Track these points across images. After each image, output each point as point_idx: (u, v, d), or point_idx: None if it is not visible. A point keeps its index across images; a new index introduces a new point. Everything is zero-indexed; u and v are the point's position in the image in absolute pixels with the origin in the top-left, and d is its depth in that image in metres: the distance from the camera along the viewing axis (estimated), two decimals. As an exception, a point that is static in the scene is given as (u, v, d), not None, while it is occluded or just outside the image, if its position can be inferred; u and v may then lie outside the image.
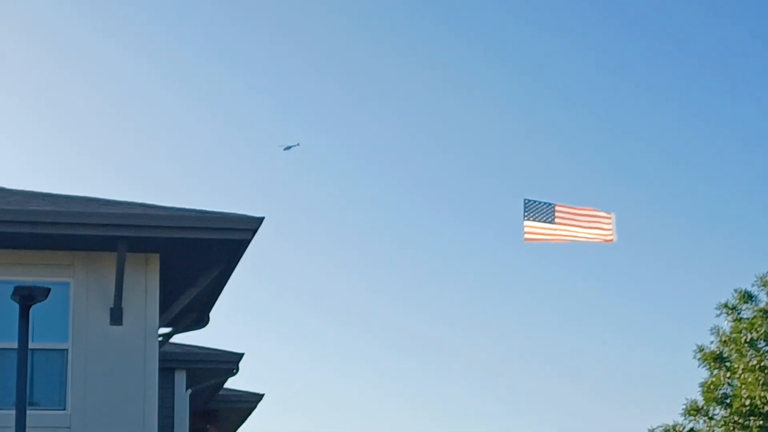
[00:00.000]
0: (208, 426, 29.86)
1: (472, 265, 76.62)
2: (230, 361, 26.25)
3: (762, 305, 27.83)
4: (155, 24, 73.60)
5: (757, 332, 27.28)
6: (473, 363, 72.25)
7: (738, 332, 27.79)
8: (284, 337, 75.38)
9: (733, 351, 27.80)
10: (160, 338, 21.94)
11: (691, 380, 28.80)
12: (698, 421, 27.81)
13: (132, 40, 73.61)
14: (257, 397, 29.46)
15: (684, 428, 27.70)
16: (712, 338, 28.51)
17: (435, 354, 74.05)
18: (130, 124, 76.73)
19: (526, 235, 24.94)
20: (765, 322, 27.37)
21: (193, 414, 29.26)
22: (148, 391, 19.13)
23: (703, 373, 28.32)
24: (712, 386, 27.76)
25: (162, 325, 20.54)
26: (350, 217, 78.72)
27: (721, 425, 27.27)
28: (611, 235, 24.44)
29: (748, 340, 27.57)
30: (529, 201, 25.04)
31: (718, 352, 28.34)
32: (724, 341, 28.29)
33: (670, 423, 27.76)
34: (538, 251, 74.47)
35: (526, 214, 24.87)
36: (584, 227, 24.63)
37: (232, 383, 29.75)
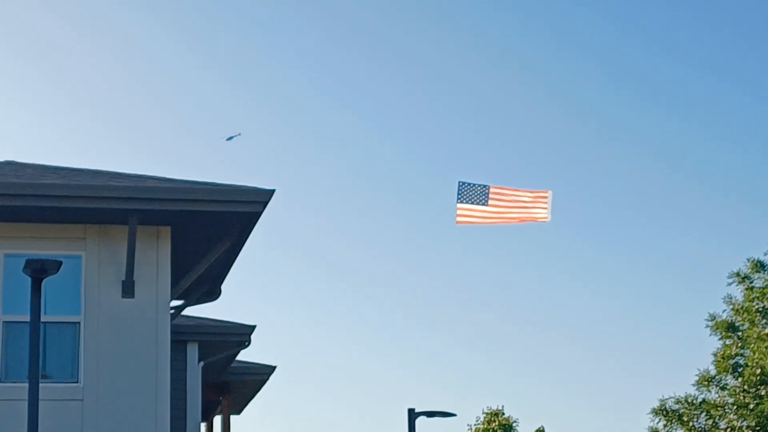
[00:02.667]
0: (220, 398, 29.95)
1: (494, 237, 76.60)
2: (242, 334, 26.30)
3: None
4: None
5: None
6: (488, 333, 72.44)
7: (750, 301, 27.78)
8: (296, 309, 75.52)
9: (746, 320, 27.82)
10: (172, 311, 22.04)
11: (704, 350, 28.86)
12: (710, 391, 27.86)
13: (146, 6, 73.45)
14: (270, 369, 29.52)
15: (696, 399, 27.75)
16: (725, 307, 28.55)
17: (450, 324, 74.18)
18: (141, 95, 76.66)
19: (458, 218, 24.71)
20: None
21: (206, 386, 29.34)
22: (160, 363, 19.20)
23: (715, 343, 28.39)
24: (724, 356, 27.78)
25: (174, 297, 20.62)
26: (363, 187, 78.66)
27: (732, 395, 27.30)
28: (546, 214, 24.25)
29: (760, 309, 27.57)
30: (463, 183, 24.76)
31: (730, 321, 28.33)
32: (736, 310, 28.29)
33: (682, 394, 27.83)
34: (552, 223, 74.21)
35: (459, 196, 24.60)
36: (518, 208, 24.40)
37: (244, 355, 29.85)
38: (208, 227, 19.68)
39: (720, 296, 28.20)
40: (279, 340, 65.66)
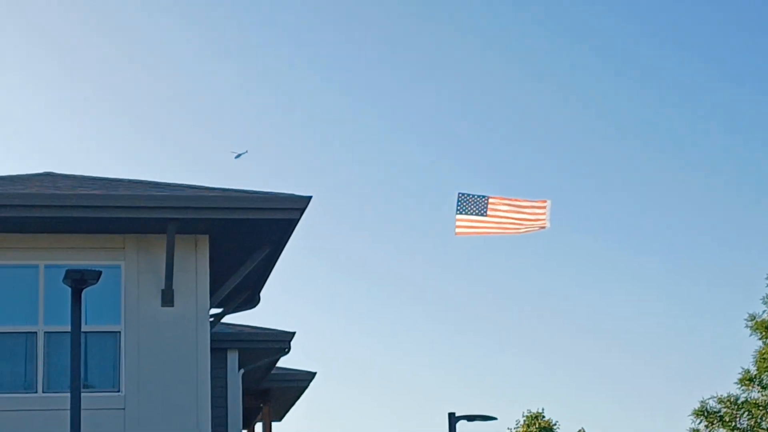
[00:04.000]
0: (261, 405, 29.99)
1: (531, 241, 76.51)
2: (282, 340, 26.29)
3: None
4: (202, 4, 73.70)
5: None
6: (528, 336, 72.25)
7: None
8: (335, 314, 75.61)
9: None
10: (211, 319, 22.13)
11: (745, 351, 28.63)
12: (752, 391, 27.65)
13: (178, 18, 73.72)
14: (310, 376, 29.52)
15: (738, 398, 27.55)
16: (764, 308, 28.34)
17: (491, 328, 74.05)
18: (178, 105, 77.04)
19: (458, 230, 24.66)
20: None
21: (246, 393, 29.39)
22: (200, 371, 19.26)
23: (756, 343, 28.19)
24: (765, 355, 27.56)
25: (213, 305, 20.69)
26: (397, 193, 78.63)
27: None
28: (545, 223, 24.22)
29: None
30: (463, 194, 24.74)
31: None
32: None
33: (725, 394, 27.63)
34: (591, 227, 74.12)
35: (458, 207, 24.59)
36: (517, 217, 24.44)
37: (284, 362, 29.89)
38: (246, 235, 19.74)
39: (759, 296, 28.07)
40: (319, 346, 65.71)
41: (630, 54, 71.68)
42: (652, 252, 73.17)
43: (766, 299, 28.24)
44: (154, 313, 19.29)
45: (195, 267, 19.55)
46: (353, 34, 73.70)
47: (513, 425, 38.20)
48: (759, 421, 26.79)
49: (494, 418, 27.19)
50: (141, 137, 77.97)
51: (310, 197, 19.06)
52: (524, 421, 38.03)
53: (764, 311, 28.34)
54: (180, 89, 77.39)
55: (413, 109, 76.97)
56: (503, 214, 24.80)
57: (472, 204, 24.93)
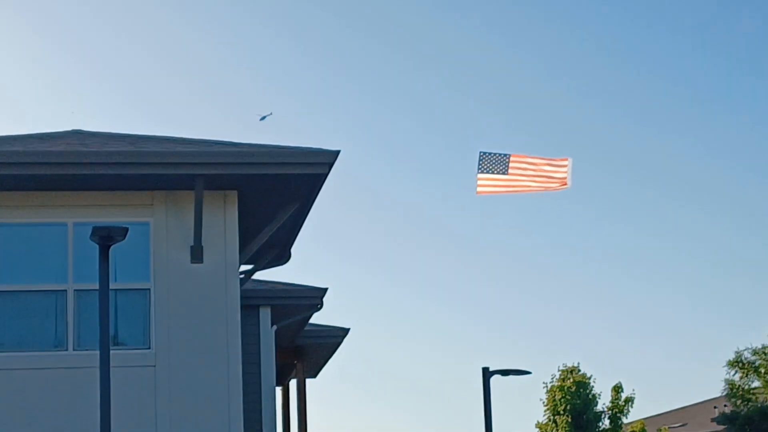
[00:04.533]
0: (295, 362, 29.99)
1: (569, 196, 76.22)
2: (314, 297, 26.27)
3: None
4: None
5: None
6: (564, 290, 72.11)
7: None
8: (368, 270, 75.72)
9: None
10: (242, 275, 22.07)
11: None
12: None
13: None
14: (343, 332, 29.49)
15: None
16: None
17: (524, 282, 73.90)
18: (205, 61, 76.64)
19: (479, 188, 24.76)
20: None
21: (280, 350, 29.40)
22: (230, 328, 19.19)
23: None
24: None
25: (243, 262, 20.61)
26: (437, 142, 78.22)
27: None
28: (566, 181, 24.24)
29: None
30: (484, 153, 24.74)
31: None
32: None
33: (759, 345, 27.36)
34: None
35: (480, 166, 24.58)
36: (539, 175, 24.45)
37: (317, 318, 29.84)
38: (274, 190, 19.61)
39: None
40: (352, 301, 65.90)
41: (640, 45, 71.10)
42: (687, 200, 72.82)
43: None
44: (183, 270, 19.20)
45: (224, 223, 19.44)
46: (355, 22, 73.23)
47: (548, 380, 38.17)
48: None
49: (528, 372, 27.12)
50: (170, 94, 77.68)
51: (338, 151, 18.89)
52: (560, 375, 37.92)
53: None
54: (214, 42, 76.96)
55: (441, 60, 76.45)
56: (524, 173, 24.88)
57: (493, 162, 25.02)
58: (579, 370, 37.60)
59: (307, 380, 33.78)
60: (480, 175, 25.06)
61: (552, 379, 37.93)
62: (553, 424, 37.06)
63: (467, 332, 72.78)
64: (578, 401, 36.91)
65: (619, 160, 74.20)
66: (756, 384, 27.04)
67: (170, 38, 76.02)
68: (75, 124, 22.35)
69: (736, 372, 27.37)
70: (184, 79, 77.77)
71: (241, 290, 25.59)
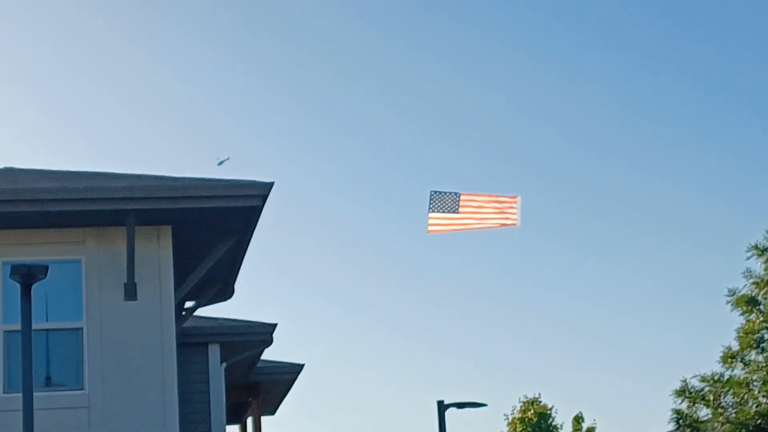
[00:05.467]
0: (250, 399, 29.49)
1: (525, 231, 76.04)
2: (264, 332, 25.77)
3: None
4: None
5: None
6: (519, 321, 71.87)
7: None
8: (322, 302, 75.25)
9: (765, 294, 26.95)
10: (184, 312, 21.65)
11: (729, 327, 27.95)
12: (733, 369, 26.98)
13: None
14: (297, 368, 29.00)
15: (722, 376, 26.88)
16: (745, 281, 27.60)
17: (479, 314, 73.60)
18: (102, 92, 75.97)
19: (430, 227, 25.03)
20: None
21: (234, 388, 28.93)
22: (166, 366, 18.74)
23: (738, 319, 27.51)
24: (747, 331, 26.88)
25: (180, 298, 20.16)
26: (391, 173, 77.87)
27: (754, 371, 26.44)
28: (515, 219, 24.58)
29: None
30: (435, 192, 25.07)
31: (751, 295, 27.43)
32: (757, 284, 27.37)
33: (708, 372, 26.98)
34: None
35: (431, 206, 24.88)
36: (488, 214, 24.74)
37: (271, 354, 29.39)
38: (209, 224, 19.20)
39: (740, 270, 27.41)
40: (305, 334, 65.50)
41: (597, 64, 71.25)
42: (639, 225, 72.76)
43: (746, 273, 27.57)
44: (116, 308, 18.76)
45: (158, 259, 19.01)
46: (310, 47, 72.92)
47: (509, 411, 37.81)
48: (743, 399, 26.15)
49: (484, 405, 26.71)
50: (91, 136, 76.95)
51: (272, 183, 18.52)
52: (520, 406, 37.56)
53: (745, 285, 27.65)
54: (127, 87, 76.16)
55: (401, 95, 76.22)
56: (474, 211, 25.21)
57: (444, 201, 25.12)
58: (540, 401, 37.32)
59: (267, 417, 33.37)
60: (431, 215, 25.37)
61: (513, 410, 37.64)
62: (515, 456, 36.77)
63: (427, 364, 72.37)
64: (539, 432, 36.64)
65: (571, 190, 74.05)
66: (705, 412, 26.72)
67: (122, 70, 75.36)
68: (10, 161, 21.83)
69: (682, 401, 26.97)
70: (139, 114, 77.16)
71: (188, 327, 25.21)
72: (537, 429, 36.57)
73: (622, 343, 69.87)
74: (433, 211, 25.30)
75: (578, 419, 37.54)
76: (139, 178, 19.19)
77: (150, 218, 18.73)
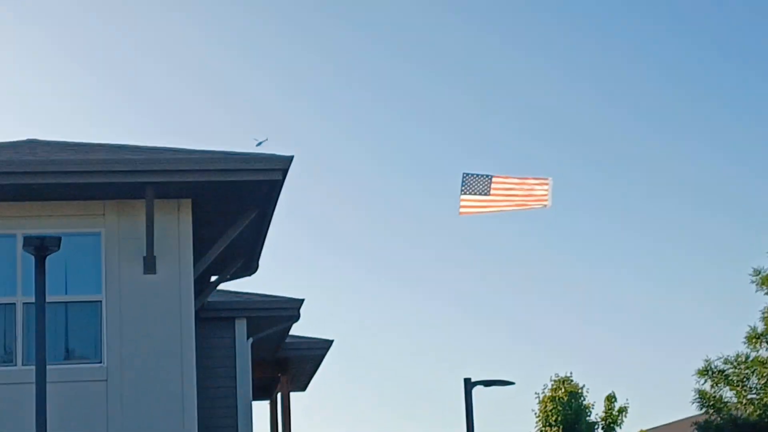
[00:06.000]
0: (279, 375, 29.40)
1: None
2: (291, 308, 25.65)
3: None
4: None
5: None
6: (554, 300, 71.41)
7: None
8: (351, 281, 74.98)
9: None
10: (206, 287, 21.57)
11: (753, 307, 27.50)
12: (758, 349, 26.62)
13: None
14: (327, 344, 28.87)
15: (748, 357, 26.53)
16: None
17: (523, 286, 73.17)
18: (157, 67, 75.63)
19: (462, 209, 25.26)
20: None
21: (262, 364, 28.85)
22: (185, 340, 18.64)
23: (763, 299, 27.13)
24: None
25: (202, 272, 20.04)
26: (428, 139, 77.43)
27: None
28: (546, 200, 24.77)
29: None
30: (468, 174, 25.23)
31: None
32: None
33: (732, 354, 26.62)
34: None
35: (463, 188, 25.04)
36: (519, 195, 24.93)
37: (301, 330, 29.28)
38: (230, 198, 19.06)
39: (765, 250, 27.04)
40: (336, 313, 65.39)
41: (633, 34, 70.18)
42: (676, 195, 71.98)
43: None
44: (136, 281, 18.65)
45: (178, 232, 18.89)
46: (337, 13, 72.10)
47: (540, 390, 37.40)
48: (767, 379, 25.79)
49: (512, 383, 26.43)
50: (128, 105, 76.38)
51: (292, 157, 18.33)
52: (552, 385, 37.15)
53: None
54: (156, 51, 75.40)
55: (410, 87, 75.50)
56: (506, 193, 25.38)
57: (476, 183, 25.31)
58: (572, 380, 36.90)
59: (298, 393, 33.31)
60: (463, 197, 25.44)
61: (544, 389, 37.22)
62: (545, 436, 36.38)
63: (457, 339, 72.07)
64: (570, 412, 36.12)
65: (606, 158, 73.11)
66: (728, 393, 26.35)
67: (172, 41, 75.02)
68: (33, 134, 21.79)
69: (705, 381, 26.63)
70: (196, 88, 76.88)
71: (214, 302, 25.12)
72: (568, 408, 36.20)
73: (659, 319, 69.39)
74: (465, 193, 25.48)
75: (610, 398, 37.15)
76: (158, 150, 19.06)
77: (170, 191, 18.60)
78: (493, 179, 25.46)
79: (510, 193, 25.39)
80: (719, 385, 26.60)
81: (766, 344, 26.71)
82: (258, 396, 31.35)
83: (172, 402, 18.38)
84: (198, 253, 19.61)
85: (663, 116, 71.55)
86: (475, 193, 25.41)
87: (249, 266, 22.10)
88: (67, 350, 18.57)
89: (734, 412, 26.31)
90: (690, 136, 71.51)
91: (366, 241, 77.04)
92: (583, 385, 37.16)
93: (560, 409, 36.36)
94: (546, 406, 36.82)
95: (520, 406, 66.68)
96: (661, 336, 68.22)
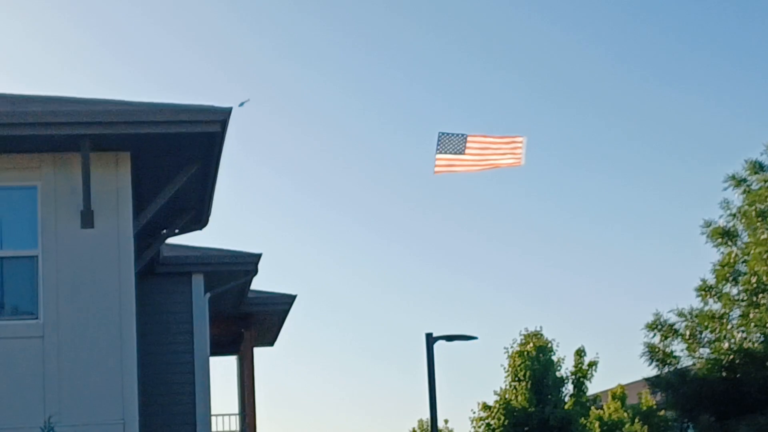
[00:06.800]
0: (242, 330, 29.12)
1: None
2: (248, 262, 25.37)
3: None
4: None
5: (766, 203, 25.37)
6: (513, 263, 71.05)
7: (750, 205, 25.91)
8: (310, 237, 74.86)
9: (745, 225, 26.08)
10: (155, 240, 21.24)
11: (705, 260, 27.22)
12: (708, 302, 26.25)
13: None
14: (290, 298, 28.59)
15: (701, 311, 26.13)
16: (722, 213, 26.74)
17: (494, 235, 72.80)
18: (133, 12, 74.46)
19: (437, 168, 25.35)
20: None
21: (225, 319, 28.61)
22: (123, 295, 18.23)
23: (713, 251, 26.72)
24: (723, 264, 26.10)
25: (144, 226, 19.64)
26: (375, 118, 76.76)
27: (727, 304, 25.67)
28: (520, 158, 24.99)
29: (759, 211, 25.71)
30: (443, 134, 25.38)
31: (726, 228, 26.57)
32: (733, 215, 26.51)
33: (686, 307, 26.22)
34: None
35: (438, 147, 25.19)
36: (494, 154, 25.21)
37: (264, 286, 29.01)
38: (169, 151, 18.64)
39: (716, 202, 26.63)
40: (298, 268, 65.32)
41: None
42: (608, 169, 71.53)
43: (723, 204, 26.70)
44: (73, 236, 18.23)
45: (116, 186, 18.46)
46: None
47: (509, 344, 37.15)
48: (721, 335, 25.38)
49: (474, 338, 26.15)
50: (55, 55, 75.29)
51: (230, 109, 17.90)
52: (521, 339, 36.90)
53: (721, 216, 26.78)
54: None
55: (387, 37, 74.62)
56: (480, 152, 25.50)
57: (451, 143, 25.55)
58: (541, 335, 36.65)
59: (264, 348, 33.09)
60: (438, 156, 25.76)
61: (513, 343, 36.97)
62: (514, 391, 36.12)
63: (428, 293, 71.90)
64: (538, 366, 35.91)
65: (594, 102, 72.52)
66: (681, 346, 26.00)
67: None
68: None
69: (654, 335, 26.24)
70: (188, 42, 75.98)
71: (171, 257, 24.80)
72: (536, 362, 35.98)
73: (633, 270, 69.13)
74: (440, 153, 25.56)
75: (580, 353, 36.96)
76: (94, 102, 18.59)
77: (107, 144, 18.18)
78: (468, 138, 25.65)
79: (484, 152, 25.60)
80: (668, 339, 26.24)
81: (716, 298, 26.30)
82: (225, 351, 31.16)
83: (109, 358, 17.99)
84: (139, 208, 19.23)
85: (641, 60, 70.94)
86: (450, 153, 25.59)
87: (199, 219, 21.71)
88: (2, 306, 18.22)
89: (682, 367, 26.00)
90: (665, 81, 70.98)
91: (334, 190, 76.63)
92: (553, 339, 36.97)
93: (528, 363, 36.15)
94: (515, 361, 36.61)
95: (494, 361, 66.75)
96: (636, 288, 68.09)
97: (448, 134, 25.72)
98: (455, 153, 25.58)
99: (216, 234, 58.55)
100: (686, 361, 26.07)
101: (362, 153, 76.86)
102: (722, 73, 70.25)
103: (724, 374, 24.97)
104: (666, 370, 26.07)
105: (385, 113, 75.49)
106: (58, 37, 74.44)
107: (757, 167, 26.57)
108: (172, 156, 18.78)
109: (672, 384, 25.78)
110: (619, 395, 39.68)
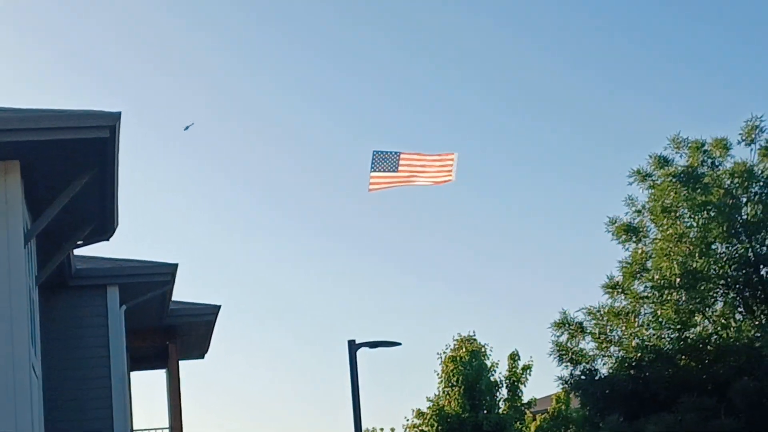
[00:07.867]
0: (168, 342, 28.57)
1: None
2: (164, 273, 24.86)
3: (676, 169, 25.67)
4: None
5: (674, 197, 25.05)
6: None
7: (655, 201, 25.62)
8: (234, 244, 74.34)
9: (650, 221, 25.81)
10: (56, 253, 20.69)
11: (614, 258, 26.99)
12: (615, 299, 25.94)
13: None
14: (214, 309, 28.08)
15: (606, 307, 25.82)
16: (626, 209, 26.45)
17: (403, 255, 72.67)
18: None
19: (371, 186, 26.02)
20: (679, 186, 25.21)
21: (149, 332, 28.10)
22: (15, 310, 17.61)
23: (619, 248, 26.44)
24: (631, 261, 25.81)
25: (33, 236, 19.03)
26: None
27: (633, 300, 25.38)
28: (451, 175, 25.56)
29: (663, 207, 25.42)
30: (378, 152, 25.98)
31: (631, 224, 26.28)
32: (638, 211, 26.22)
33: (595, 304, 25.89)
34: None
35: (373, 165, 25.82)
36: (425, 171, 25.76)
37: (188, 297, 28.52)
38: (60, 158, 18.05)
39: (621, 198, 26.40)
40: (224, 278, 65.00)
41: None
42: (517, 157, 71.48)
43: (627, 200, 26.39)
44: (-40, 249, 17.65)
45: (5, 195, 17.87)
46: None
47: (442, 350, 36.69)
48: (631, 333, 25.05)
49: (398, 344, 25.71)
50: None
51: (119, 113, 17.36)
52: (454, 344, 36.48)
53: (626, 213, 26.49)
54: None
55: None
56: (413, 169, 26.24)
57: (385, 161, 26.18)
58: (474, 339, 36.25)
59: (194, 361, 32.56)
60: (372, 173, 26.17)
61: (446, 349, 36.53)
62: (447, 397, 35.68)
63: (355, 300, 71.62)
64: (470, 371, 35.50)
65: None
66: (590, 345, 25.68)
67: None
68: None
69: (562, 333, 25.89)
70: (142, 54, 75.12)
71: (84, 269, 24.23)
72: (469, 367, 35.56)
73: (561, 268, 69.03)
74: (374, 171, 26.12)
75: (514, 357, 36.57)
76: (-20, 109, 18.05)
77: (-6, 152, 17.63)
78: (401, 156, 26.31)
79: (417, 169, 26.24)
80: (576, 338, 25.92)
81: (623, 295, 25.99)
82: (152, 365, 30.62)
83: (1, 376, 17.41)
84: (34, 218, 18.66)
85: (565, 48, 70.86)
86: (384, 171, 26.16)
87: (104, 230, 21.12)
88: None
89: (591, 366, 25.66)
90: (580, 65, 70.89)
91: (261, 185, 76.04)
92: (486, 344, 36.57)
93: (461, 368, 35.75)
94: (447, 367, 36.21)
95: (427, 368, 66.53)
96: (569, 288, 68.02)
97: (382, 152, 26.44)
98: (389, 171, 26.24)
99: (141, 245, 58.13)
100: (598, 360, 25.76)
101: (301, 152, 76.24)
102: (633, 63, 69.98)
103: (632, 372, 24.63)
104: (579, 369, 25.74)
105: (323, 110, 74.95)
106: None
107: (662, 162, 26.28)
108: (64, 163, 18.22)
109: (580, 384, 25.44)
110: (564, 399, 39.27)
